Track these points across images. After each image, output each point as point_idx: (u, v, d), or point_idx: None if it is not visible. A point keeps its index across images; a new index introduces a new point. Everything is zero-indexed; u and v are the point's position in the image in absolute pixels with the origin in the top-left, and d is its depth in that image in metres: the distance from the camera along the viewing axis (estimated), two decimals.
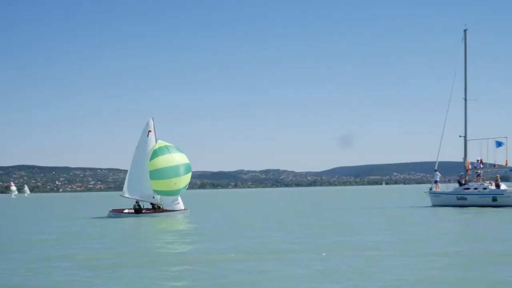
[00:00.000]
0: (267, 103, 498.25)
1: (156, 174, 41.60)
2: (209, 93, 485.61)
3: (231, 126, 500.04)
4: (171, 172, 41.51)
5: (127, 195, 42.94)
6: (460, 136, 51.36)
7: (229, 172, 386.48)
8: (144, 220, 38.66)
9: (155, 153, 42.01)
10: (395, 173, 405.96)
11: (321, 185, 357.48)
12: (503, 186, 47.78)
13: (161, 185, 41.53)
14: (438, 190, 51.44)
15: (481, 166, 49.94)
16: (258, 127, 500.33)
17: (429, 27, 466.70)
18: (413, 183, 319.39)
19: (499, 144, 48.72)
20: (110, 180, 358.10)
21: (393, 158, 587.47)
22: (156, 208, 42.61)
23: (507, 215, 37.20)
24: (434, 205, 49.93)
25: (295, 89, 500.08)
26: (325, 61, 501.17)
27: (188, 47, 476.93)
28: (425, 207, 49.12)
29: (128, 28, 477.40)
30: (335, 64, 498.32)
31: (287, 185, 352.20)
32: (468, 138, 51.18)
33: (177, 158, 42.14)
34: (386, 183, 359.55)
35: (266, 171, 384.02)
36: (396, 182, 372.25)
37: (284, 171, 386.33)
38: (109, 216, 42.85)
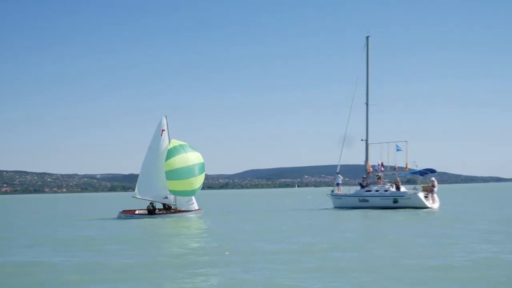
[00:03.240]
0: (179, 105, 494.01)
1: (173, 175, 40.54)
2: (108, 95, 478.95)
3: (141, 128, 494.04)
4: (188, 172, 40.69)
5: (138, 196, 41.93)
6: (362, 140, 52.55)
7: None
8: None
9: (171, 153, 40.97)
10: (306, 176, 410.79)
11: (233, 187, 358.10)
12: (403, 188, 49.14)
13: (178, 185, 40.58)
14: (340, 192, 52.40)
15: (382, 169, 51.22)
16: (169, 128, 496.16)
17: (333, 31, 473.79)
18: (323, 186, 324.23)
19: (398, 148, 50.09)
20: (17, 182, 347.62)
21: (304, 161, 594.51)
22: (167, 209, 41.86)
23: (404, 216, 38.20)
24: (336, 207, 50.78)
25: (206, 91, 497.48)
26: (232, 63, 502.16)
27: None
28: (326, 209, 49.93)
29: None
30: (236, 66, 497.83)
31: None
32: (369, 141, 52.44)
33: (192, 157, 41.38)
34: (298, 186, 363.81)
35: None
36: (307, 185, 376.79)
37: None
38: (119, 218, 41.52)
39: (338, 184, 52.76)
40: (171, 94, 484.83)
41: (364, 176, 51.91)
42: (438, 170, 50.74)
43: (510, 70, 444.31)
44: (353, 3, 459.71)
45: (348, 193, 52.01)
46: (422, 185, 49.45)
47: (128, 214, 42.00)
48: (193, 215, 41.51)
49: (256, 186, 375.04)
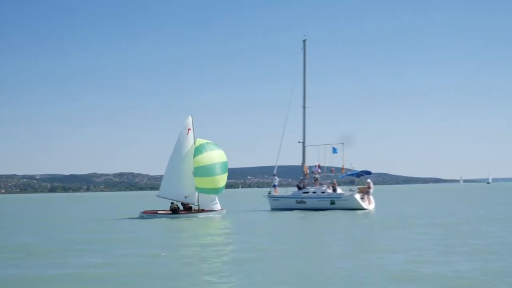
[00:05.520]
0: (118, 105, 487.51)
1: (200, 171, 40.76)
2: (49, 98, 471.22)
3: (85, 128, 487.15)
4: (214, 169, 41.03)
5: (161, 196, 42.11)
6: (299, 142, 52.90)
7: (81, 175, 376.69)
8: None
9: (199, 150, 41.26)
10: (249, 177, 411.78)
11: None
12: (339, 190, 49.64)
13: (205, 182, 40.83)
14: (277, 194, 52.59)
15: (319, 171, 51.67)
16: (111, 129, 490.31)
17: (271, 34, 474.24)
18: (266, 187, 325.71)
19: (335, 150, 50.63)
20: None
21: (247, 162, 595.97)
22: (188, 209, 41.87)
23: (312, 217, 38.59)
24: (273, 209, 50.92)
25: (142, 92, 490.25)
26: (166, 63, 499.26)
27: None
28: (263, 210, 50.04)
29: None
30: (174, 66, 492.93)
31: (141, 189, 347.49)
32: (306, 144, 52.84)
33: (217, 155, 41.70)
34: (242, 187, 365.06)
35: (120, 175, 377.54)
36: (250, 186, 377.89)
37: (138, 174, 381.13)
38: (141, 217, 41.14)
39: (274, 186, 53.00)
40: (110, 95, 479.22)
41: (301, 177, 52.26)
42: (379, 171, 51.77)
43: (447, 68, 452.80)
44: (291, 4, 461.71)
45: (285, 194, 52.24)
46: (358, 186, 50.08)
47: (151, 214, 41.98)
48: (215, 215, 41.63)
49: None
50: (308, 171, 52.36)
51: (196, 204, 42.16)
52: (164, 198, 42.22)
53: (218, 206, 42.56)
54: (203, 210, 41.80)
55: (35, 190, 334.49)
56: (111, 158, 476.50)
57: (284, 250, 21.18)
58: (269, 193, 52.88)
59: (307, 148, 52.74)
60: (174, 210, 41.38)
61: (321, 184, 50.86)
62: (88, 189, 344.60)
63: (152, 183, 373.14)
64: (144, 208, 46.86)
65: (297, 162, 53.58)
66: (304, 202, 49.59)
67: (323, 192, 49.40)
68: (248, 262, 18.17)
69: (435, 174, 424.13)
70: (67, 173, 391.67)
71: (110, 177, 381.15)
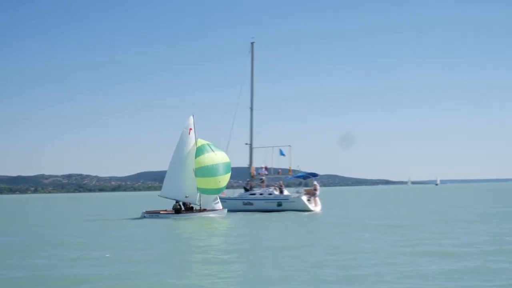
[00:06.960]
0: (70, 106, 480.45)
1: (202, 172, 41.19)
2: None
3: (32, 128, 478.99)
4: (215, 170, 41.55)
5: (163, 195, 42.58)
6: (246, 144, 53.05)
7: (29, 176, 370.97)
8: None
9: (200, 151, 41.72)
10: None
11: (125, 190, 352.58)
12: (286, 192, 49.98)
13: (206, 183, 41.35)
14: (224, 195, 52.64)
15: (266, 172, 51.91)
16: (59, 130, 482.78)
17: (218, 36, 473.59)
18: None
19: (282, 152, 50.95)
20: None
21: None
22: (189, 209, 42.15)
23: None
24: None
25: (100, 93, 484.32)
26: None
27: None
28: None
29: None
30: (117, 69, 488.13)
31: (90, 190, 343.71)
32: (253, 145, 53.02)
33: (219, 156, 42.25)
34: None
35: (68, 176, 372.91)
36: None
37: (87, 175, 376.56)
38: (143, 217, 41.36)
39: None
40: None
41: (248, 179, 52.45)
42: (330, 173, 52.27)
43: (395, 68, 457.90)
44: (239, 6, 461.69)
45: (232, 196, 52.36)
46: (305, 188, 50.49)
47: (152, 213, 42.29)
48: (216, 215, 42.01)
49: (149, 188, 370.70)
50: (255, 173, 52.55)
51: (198, 204, 42.71)
52: (165, 197, 42.84)
53: (219, 206, 43.30)
54: (204, 210, 42.31)
55: None
56: (59, 159, 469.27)
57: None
58: None
59: (254, 150, 53.00)
60: (177, 210, 41.82)
61: (268, 186, 51.10)
62: (35, 191, 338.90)
63: (101, 185, 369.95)
64: (144, 208, 46.80)
65: (246, 164, 53.75)
66: (251, 204, 49.78)
67: (270, 194, 49.70)
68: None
69: (384, 176, 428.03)
70: (14, 174, 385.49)
71: (59, 179, 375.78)
